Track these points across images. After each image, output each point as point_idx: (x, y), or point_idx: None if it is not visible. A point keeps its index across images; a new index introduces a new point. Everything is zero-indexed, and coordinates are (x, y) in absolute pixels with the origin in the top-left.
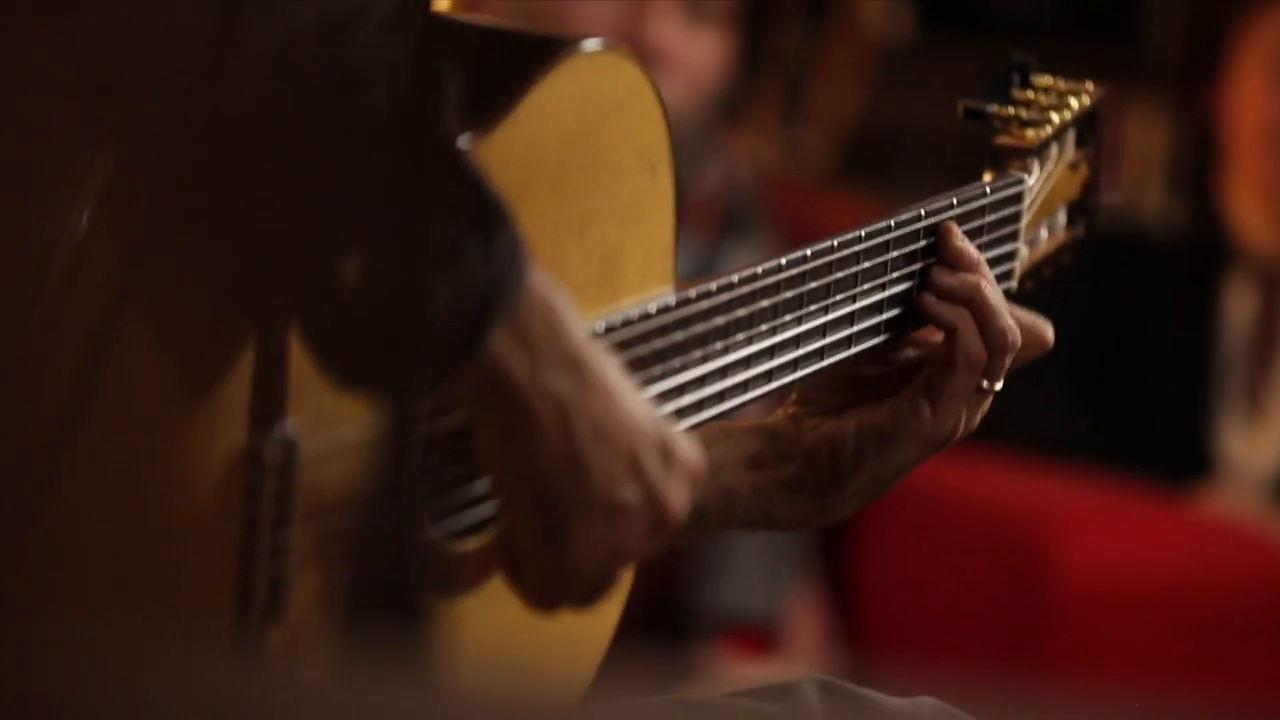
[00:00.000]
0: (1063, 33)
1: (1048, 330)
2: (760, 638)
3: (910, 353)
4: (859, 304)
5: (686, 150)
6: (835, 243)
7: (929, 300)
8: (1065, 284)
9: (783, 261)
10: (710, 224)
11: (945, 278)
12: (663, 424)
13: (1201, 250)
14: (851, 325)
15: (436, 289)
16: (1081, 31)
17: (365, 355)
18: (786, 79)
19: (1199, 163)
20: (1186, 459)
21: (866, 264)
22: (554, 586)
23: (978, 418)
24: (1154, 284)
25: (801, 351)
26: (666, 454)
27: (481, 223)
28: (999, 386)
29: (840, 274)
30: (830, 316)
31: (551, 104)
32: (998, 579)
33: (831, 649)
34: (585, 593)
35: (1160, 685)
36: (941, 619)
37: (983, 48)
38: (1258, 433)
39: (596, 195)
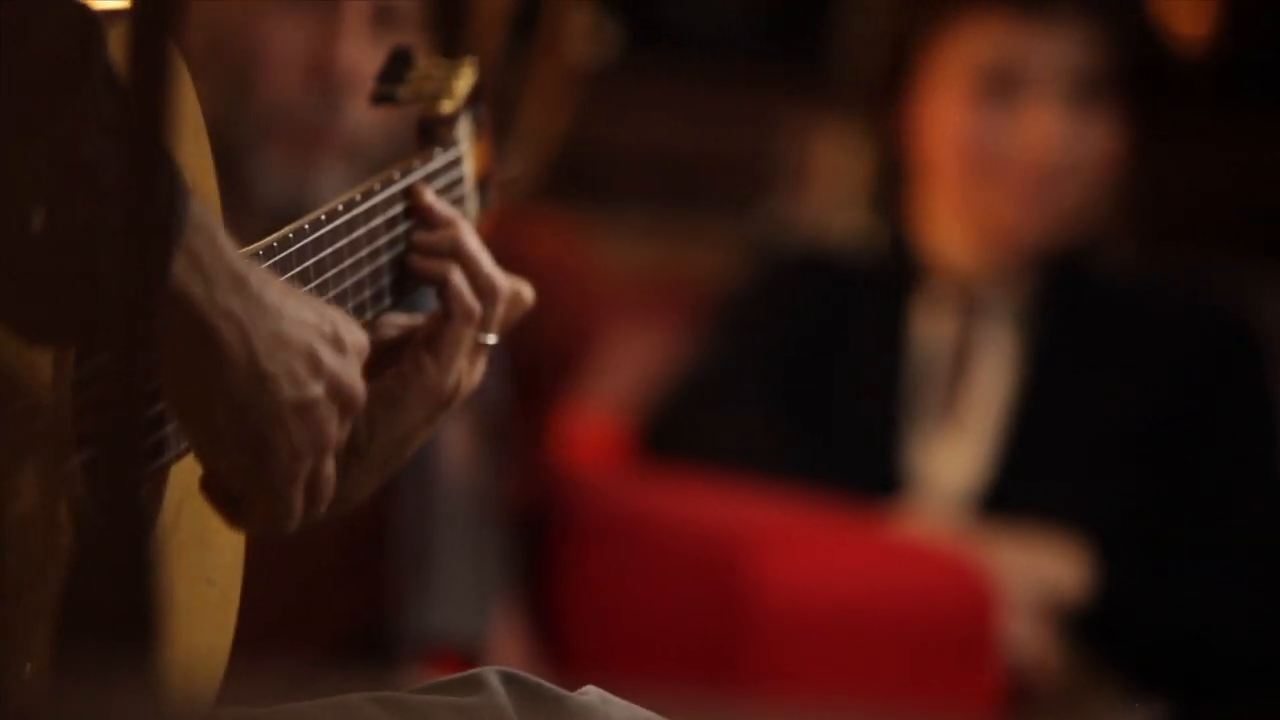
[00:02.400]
0: (756, 51)
1: (526, 288)
2: (464, 662)
3: (395, 333)
4: (359, 274)
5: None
6: (322, 216)
7: (415, 259)
8: (762, 306)
9: (289, 234)
10: None
11: (425, 235)
12: (326, 314)
13: (894, 270)
14: (360, 294)
15: (113, 227)
16: (774, 50)
17: (50, 305)
18: (489, 98)
19: (891, 183)
20: (882, 478)
21: (357, 233)
22: (275, 503)
23: (477, 374)
24: (846, 305)
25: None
26: (337, 342)
27: (145, 155)
28: (493, 339)
29: (336, 245)
30: (332, 291)
31: None
32: (697, 598)
33: (535, 671)
34: (304, 499)
35: (855, 703)
36: (642, 639)
37: (683, 67)
38: (951, 452)
39: None
